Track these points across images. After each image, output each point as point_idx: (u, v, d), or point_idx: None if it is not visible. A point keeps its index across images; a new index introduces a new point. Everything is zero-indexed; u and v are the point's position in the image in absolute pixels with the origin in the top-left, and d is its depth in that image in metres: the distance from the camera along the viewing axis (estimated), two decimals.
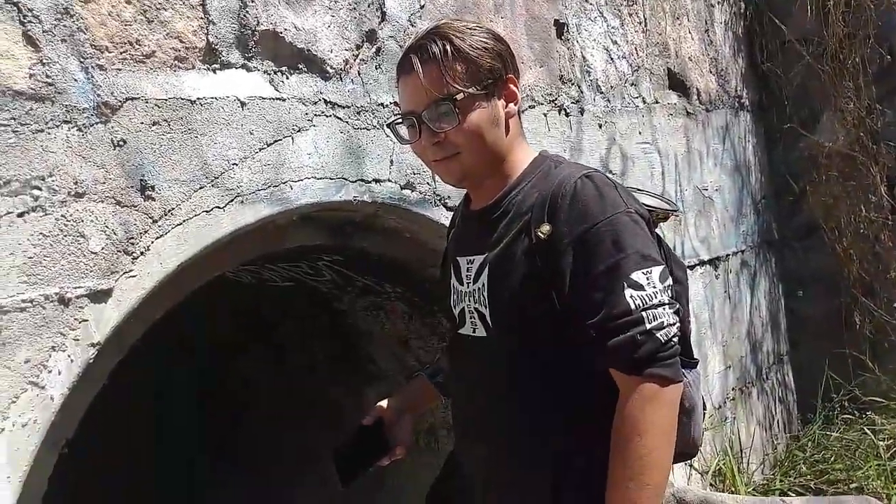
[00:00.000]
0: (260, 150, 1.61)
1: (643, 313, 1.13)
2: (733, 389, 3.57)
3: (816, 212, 4.08)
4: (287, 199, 1.67)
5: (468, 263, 1.30)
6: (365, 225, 1.99)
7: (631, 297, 1.13)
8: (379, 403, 1.51)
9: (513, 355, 1.24)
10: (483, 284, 1.26)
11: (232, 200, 1.56)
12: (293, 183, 1.68)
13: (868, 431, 3.56)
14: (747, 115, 4.01)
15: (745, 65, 4.02)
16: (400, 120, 1.28)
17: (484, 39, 1.24)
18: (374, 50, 1.88)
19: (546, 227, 1.18)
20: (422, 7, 2.02)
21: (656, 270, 1.15)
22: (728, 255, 3.63)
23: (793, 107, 4.07)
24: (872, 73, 3.85)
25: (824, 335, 4.11)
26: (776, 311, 4.17)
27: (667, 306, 1.15)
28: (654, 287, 1.14)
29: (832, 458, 3.58)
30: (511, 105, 1.27)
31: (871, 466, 3.32)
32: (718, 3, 3.76)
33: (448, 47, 1.20)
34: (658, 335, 1.13)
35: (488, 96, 1.23)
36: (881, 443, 3.44)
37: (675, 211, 1.48)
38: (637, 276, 1.14)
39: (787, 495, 3.21)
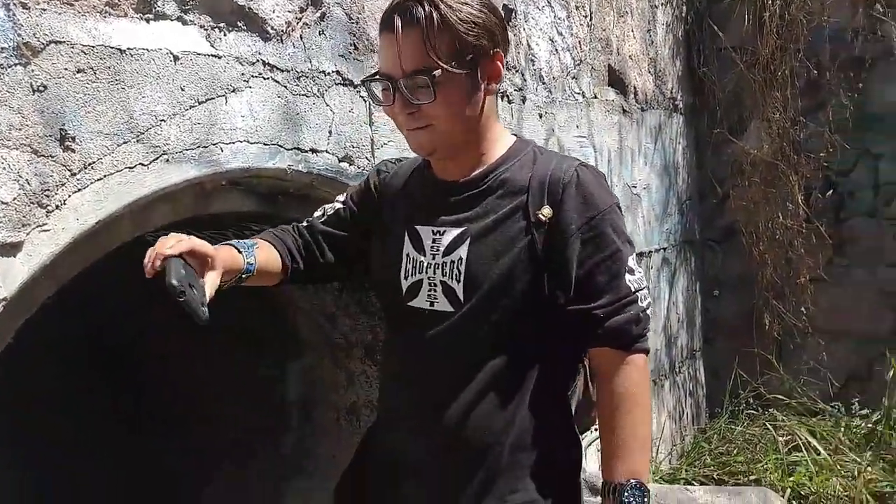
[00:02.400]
0: (190, 107, 1.55)
1: (638, 293, 1.22)
2: None
3: (737, 216, 4.25)
4: (217, 161, 1.60)
5: (435, 234, 1.25)
6: (299, 196, 1.94)
7: (629, 280, 1.22)
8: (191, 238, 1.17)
9: (483, 334, 1.21)
10: (460, 258, 1.22)
11: (157, 158, 1.49)
12: (224, 145, 1.62)
13: (769, 427, 3.74)
14: (680, 117, 4.11)
15: (682, 68, 4.12)
16: (377, 78, 1.21)
17: (474, 12, 1.16)
18: (318, 14, 1.83)
19: (547, 210, 1.20)
20: None
21: (635, 256, 1.26)
22: (651, 252, 3.73)
23: (724, 112, 4.20)
24: (800, 86, 4.02)
25: (736, 334, 4.30)
26: (692, 308, 4.32)
27: (646, 288, 1.26)
28: (639, 271, 1.25)
29: (735, 451, 3.75)
30: (493, 83, 1.22)
31: (770, 460, 3.50)
32: (662, 4, 3.84)
33: (435, 15, 1.13)
34: (647, 313, 1.24)
35: (469, 74, 1.17)
36: (780, 438, 3.62)
37: None
38: (631, 261, 1.23)
39: (692, 484, 3.34)
